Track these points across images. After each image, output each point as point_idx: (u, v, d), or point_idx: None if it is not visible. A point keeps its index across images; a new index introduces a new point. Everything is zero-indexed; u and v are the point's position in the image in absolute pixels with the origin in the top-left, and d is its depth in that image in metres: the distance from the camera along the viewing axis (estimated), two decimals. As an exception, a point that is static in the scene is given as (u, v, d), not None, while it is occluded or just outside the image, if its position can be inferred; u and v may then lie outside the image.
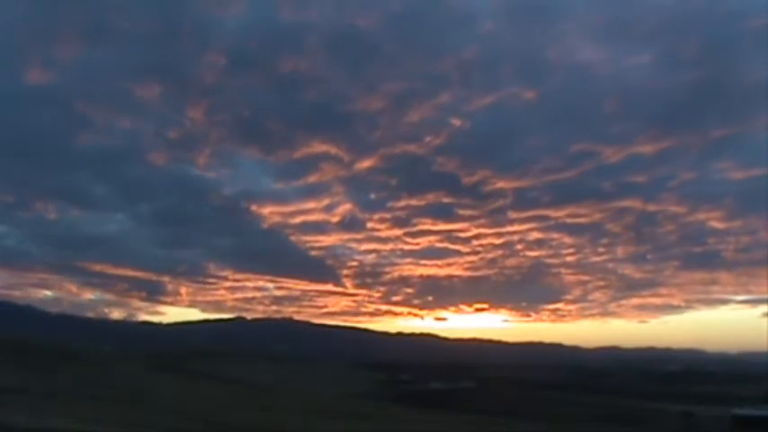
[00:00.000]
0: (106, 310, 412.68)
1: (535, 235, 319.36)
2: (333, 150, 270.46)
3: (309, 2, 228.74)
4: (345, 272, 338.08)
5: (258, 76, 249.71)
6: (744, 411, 50.93)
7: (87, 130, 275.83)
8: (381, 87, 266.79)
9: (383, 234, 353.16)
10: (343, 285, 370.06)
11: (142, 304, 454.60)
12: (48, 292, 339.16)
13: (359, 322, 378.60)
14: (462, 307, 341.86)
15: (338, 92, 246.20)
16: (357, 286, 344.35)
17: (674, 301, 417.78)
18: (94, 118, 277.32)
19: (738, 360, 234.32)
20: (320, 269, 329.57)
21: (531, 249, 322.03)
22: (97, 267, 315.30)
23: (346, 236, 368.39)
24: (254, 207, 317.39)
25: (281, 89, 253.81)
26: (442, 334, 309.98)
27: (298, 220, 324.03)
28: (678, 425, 52.86)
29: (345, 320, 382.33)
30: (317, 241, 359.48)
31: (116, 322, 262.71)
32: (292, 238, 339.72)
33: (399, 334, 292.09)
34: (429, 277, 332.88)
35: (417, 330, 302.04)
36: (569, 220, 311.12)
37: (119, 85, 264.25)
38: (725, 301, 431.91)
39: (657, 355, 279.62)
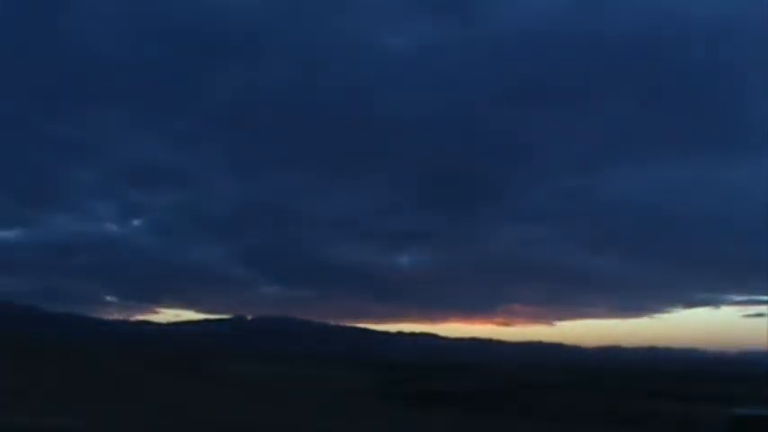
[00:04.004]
0: (106, 310, 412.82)
1: (514, 239, 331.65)
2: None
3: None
4: (343, 273, 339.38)
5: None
6: (744, 411, 50.74)
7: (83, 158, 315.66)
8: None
9: (375, 240, 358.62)
10: (341, 287, 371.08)
11: (142, 304, 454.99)
12: (48, 292, 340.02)
13: (359, 322, 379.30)
14: (452, 310, 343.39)
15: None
16: (355, 287, 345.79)
17: (674, 301, 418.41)
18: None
19: (738, 359, 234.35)
20: (319, 270, 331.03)
21: (511, 253, 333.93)
22: (97, 268, 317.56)
23: (342, 239, 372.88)
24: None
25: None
26: (442, 333, 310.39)
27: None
28: (678, 424, 52.84)
29: (345, 320, 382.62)
30: (315, 244, 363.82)
31: (116, 322, 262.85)
32: (290, 241, 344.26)
33: (399, 333, 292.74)
34: (421, 281, 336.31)
35: (417, 330, 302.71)
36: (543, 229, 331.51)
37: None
38: (724, 301, 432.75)
39: (658, 354, 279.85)
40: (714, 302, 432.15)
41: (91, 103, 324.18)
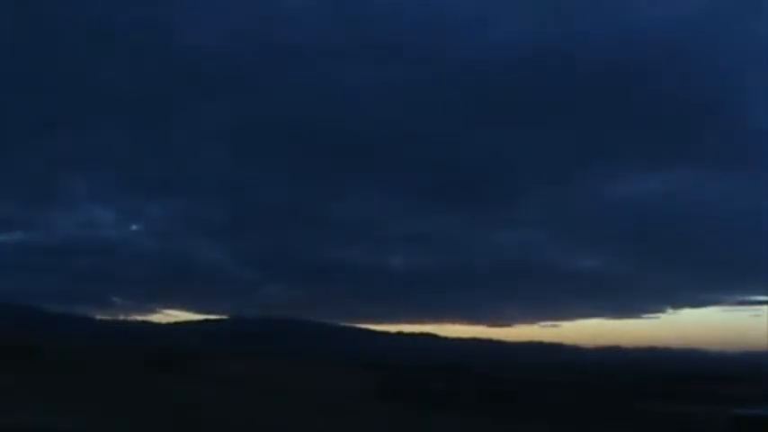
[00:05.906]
0: (107, 311, 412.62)
1: (514, 241, 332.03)
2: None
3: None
4: (343, 273, 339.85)
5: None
6: (744, 411, 50.73)
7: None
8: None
9: (374, 241, 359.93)
10: (341, 287, 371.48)
11: (142, 304, 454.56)
12: (48, 293, 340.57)
13: (359, 322, 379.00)
14: (452, 311, 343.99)
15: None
16: (355, 288, 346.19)
17: (674, 302, 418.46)
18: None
19: (738, 359, 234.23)
20: (319, 270, 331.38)
21: (511, 255, 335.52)
22: (98, 269, 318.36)
23: (342, 240, 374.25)
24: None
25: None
26: (442, 334, 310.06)
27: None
28: (678, 425, 52.81)
29: (345, 320, 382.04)
30: (315, 245, 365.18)
31: (116, 322, 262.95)
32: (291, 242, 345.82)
33: (399, 334, 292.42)
34: (420, 282, 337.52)
35: (417, 330, 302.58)
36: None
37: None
38: (723, 301, 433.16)
39: (657, 354, 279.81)
40: (714, 303, 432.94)
41: (92, 114, 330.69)
